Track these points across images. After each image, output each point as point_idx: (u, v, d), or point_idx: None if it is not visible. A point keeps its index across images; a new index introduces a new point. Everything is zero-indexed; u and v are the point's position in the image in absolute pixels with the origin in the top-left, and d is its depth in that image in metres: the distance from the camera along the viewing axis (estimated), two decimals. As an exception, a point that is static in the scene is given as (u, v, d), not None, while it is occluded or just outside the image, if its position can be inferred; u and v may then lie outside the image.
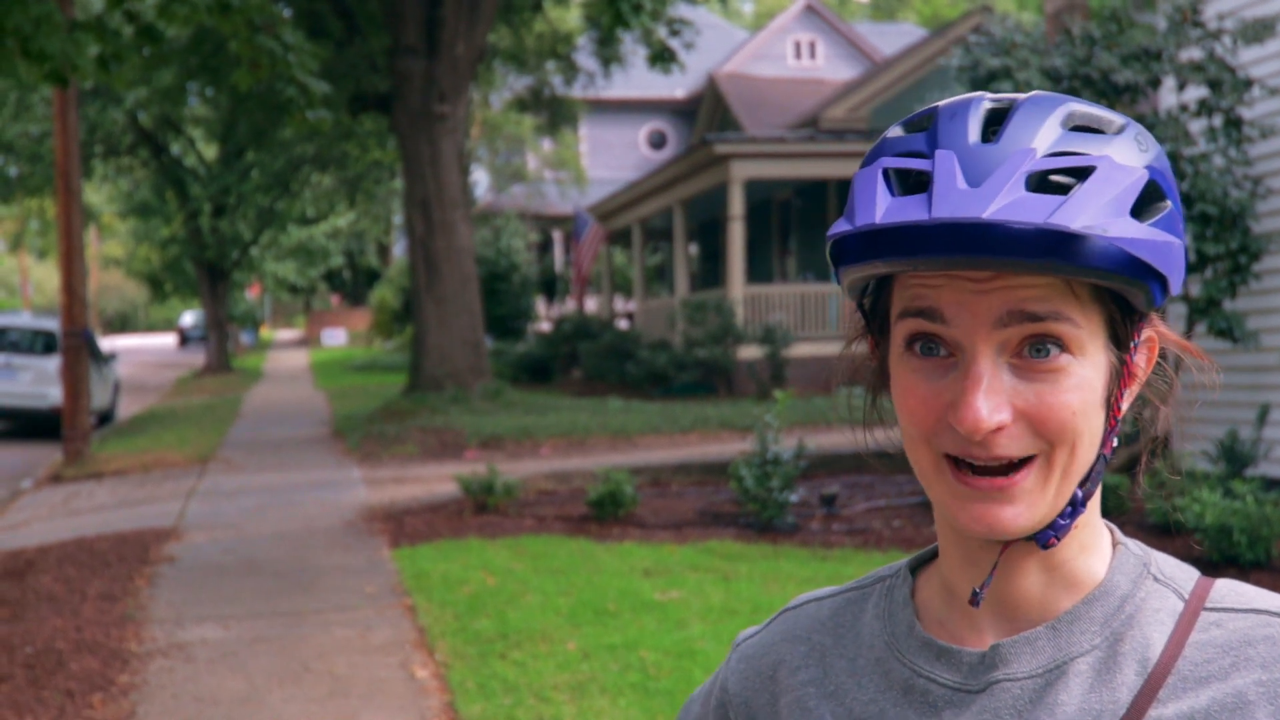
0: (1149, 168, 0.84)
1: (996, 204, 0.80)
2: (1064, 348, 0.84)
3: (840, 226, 0.87)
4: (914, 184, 0.85)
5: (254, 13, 9.10)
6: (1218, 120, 8.41)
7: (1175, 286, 0.85)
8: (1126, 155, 0.84)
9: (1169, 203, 0.85)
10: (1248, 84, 8.07)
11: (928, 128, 0.88)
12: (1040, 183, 0.82)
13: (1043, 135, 0.84)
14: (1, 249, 60.62)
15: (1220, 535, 6.46)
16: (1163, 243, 0.83)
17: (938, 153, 0.84)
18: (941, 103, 0.89)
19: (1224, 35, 8.13)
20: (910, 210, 0.82)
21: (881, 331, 0.93)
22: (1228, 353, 8.54)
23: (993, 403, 0.83)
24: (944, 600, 0.96)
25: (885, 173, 0.86)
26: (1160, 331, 0.92)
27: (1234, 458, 7.78)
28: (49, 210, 35.38)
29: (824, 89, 28.02)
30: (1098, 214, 0.80)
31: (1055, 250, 0.79)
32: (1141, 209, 0.83)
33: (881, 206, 0.84)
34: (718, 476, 10.46)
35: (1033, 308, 0.83)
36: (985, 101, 0.87)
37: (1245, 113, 8.49)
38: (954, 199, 0.81)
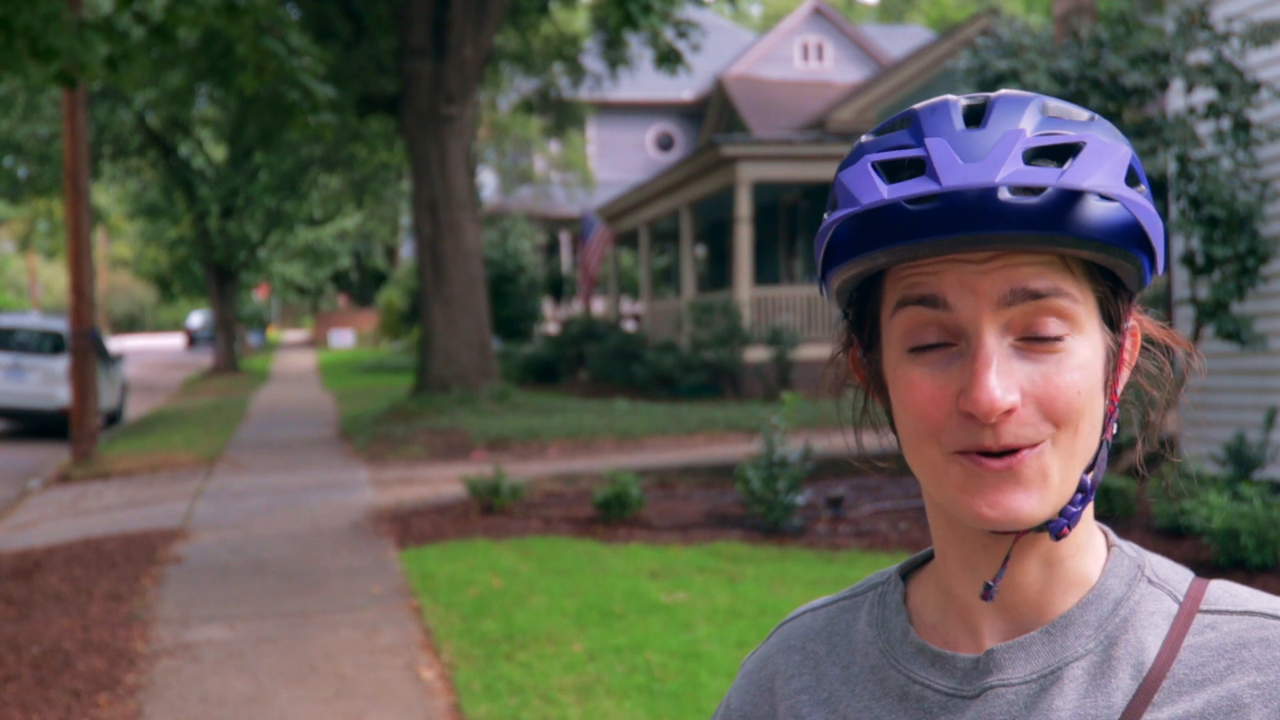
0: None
1: (1004, 171, 0.81)
2: (1065, 327, 0.85)
3: (842, 211, 0.86)
4: (907, 175, 0.85)
5: (261, 14, 9.11)
6: (1226, 123, 8.39)
7: (1160, 265, 0.88)
8: (1107, 136, 0.86)
9: (1145, 187, 0.87)
10: (1256, 87, 8.06)
11: (907, 126, 0.88)
12: (1034, 160, 0.83)
13: (1026, 120, 0.85)
14: (10, 250, 60.77)
15: (1228, 539, 6.44)
16: (1155, 214, 0.85)
17: (927, 140, 0.84)
18: (916, 105, 0.89)
19: (1232, 38, 8.12)
20: (917, 188, 0.82)
21: (871, 338, 0.93)
22: (1235, 356, 8.52)
23: (1005, 383, 0.83)
24: (938, 605, 0.95)
25: (874, 165, 0.86)
26: (1140, 320, 0.93)
27: (1241, 461, 7.76)
28: (57, 211, 35.50)
29: (831, 91, 28.01)
30: (1103, 177, 0.82)
31: (1066, 215, 0.81)
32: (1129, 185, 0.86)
33: (883, 190, 0.84)
34: (724, 478, 10.46)
35: (1034, 285, 0.84)
36: (961, 100, 0.88)
37: (1254, 115, 8.48)
38: (960, 171, 0.81)
